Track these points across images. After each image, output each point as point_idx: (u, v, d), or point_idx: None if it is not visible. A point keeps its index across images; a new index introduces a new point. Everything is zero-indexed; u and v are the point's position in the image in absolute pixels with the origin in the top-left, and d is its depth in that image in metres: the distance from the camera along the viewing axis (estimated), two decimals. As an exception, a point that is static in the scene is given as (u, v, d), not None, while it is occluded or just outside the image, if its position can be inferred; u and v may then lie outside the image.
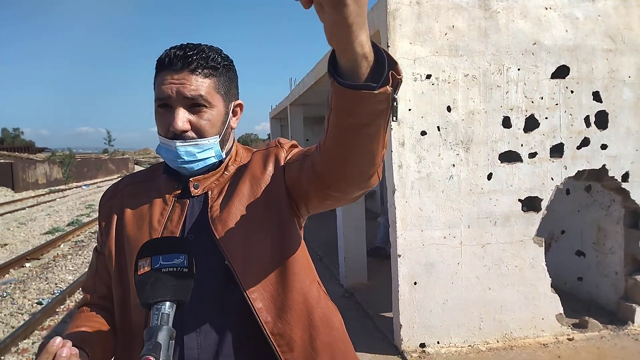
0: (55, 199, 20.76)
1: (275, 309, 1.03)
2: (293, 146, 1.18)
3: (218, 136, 1.08)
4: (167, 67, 1.03)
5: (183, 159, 1.04)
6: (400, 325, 3.68)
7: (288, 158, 1.13)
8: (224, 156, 1.11)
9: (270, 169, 1.11)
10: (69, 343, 0.87)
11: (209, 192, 1.10)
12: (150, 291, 0.82)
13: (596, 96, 3.89)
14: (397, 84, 0.77)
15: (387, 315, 4.21)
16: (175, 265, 0.84)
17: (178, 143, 1.02)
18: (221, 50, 1.12)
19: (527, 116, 3.79)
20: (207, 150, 1.06)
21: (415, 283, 3.68)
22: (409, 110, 3.64)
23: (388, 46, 3.61)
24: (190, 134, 1.03)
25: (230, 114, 1.13)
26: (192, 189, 1.10)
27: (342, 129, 0.84)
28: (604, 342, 3.79)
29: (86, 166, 33.63)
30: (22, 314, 5.75)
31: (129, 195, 1.15)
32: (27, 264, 8.27)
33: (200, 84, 1.03)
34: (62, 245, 10.04)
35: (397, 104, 0.79)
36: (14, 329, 5.20)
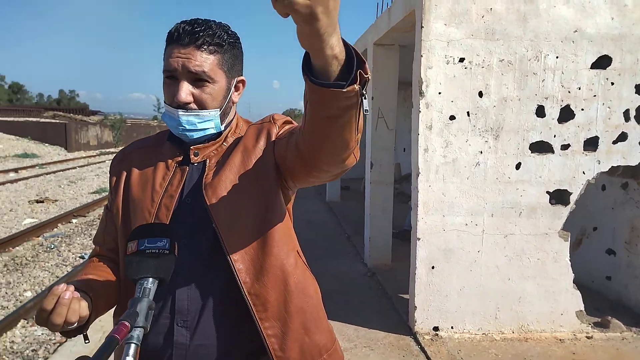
0: (104, 161, 21.72)
1: (254, 271, 1.13)
2: (286, 122, 1.25)
3: (219, 109, 1.16)
4: (176, 41, 1.10)
5: (184, 127, 1.13)
6: (415, 307, 3.72)
7: (280, 133, 1.20)
8: (222, 128, 1.20)
9: (262, 143, 1.19)
10: (72, 287, 0.99)
11: (207, 161, 1.19)
12: (136, 269, 0.94)
13: (639, 89, 3.71)
14: (364, 82, 0.82)
15: (405, 296, 4.26)
16: (158, 247, 0.96)
17: (181, 112, 1.11)
18: (229, 27, 1.18)
19: (562, 106, 3.67)
20: (207, 122, 1.14)
21: (433, 267, 3.69)
22: (439, 93, 3.60)
23: (422, 27, 3.56)
24: (193, 105, 1.12)
25: (233, 89, 1.20)
26: (192, 156, 1.19)
27: (317, 119, 0.91)
28: (624, 344, 3.71)
29: (135, 131, 34.83)
30: (66, 266, 6.16)
31: (136, 160, 1.25)
32: (74, 220, 8.79)
33: (204, 60, 1.10)
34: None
35: (365, 98, 0.85)
36: (58, 278, 5.59)
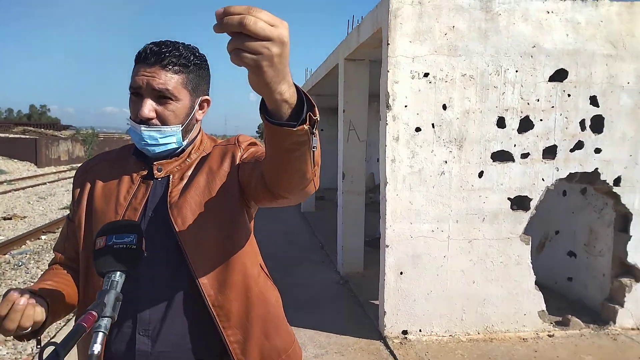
0: (75, 176, 21.31)
1: (218, 285, 1.19)
2: (251, 144, 1.31)
3: (180, 125, 1.21)
4: (143, 60, 1.17)
5: (146, 141, 1.18)
6: (385, 312, 3.84)
7: (244, 157, 1.26)
8: (184, 144, 1.25)
9: (226, 166, 1.25)
10: (27, 294, 1.03)
11: (171, 176, 1.24)
12: (104, 263, 0.99)
13: (593, 100, 3.95)
14: (314, 123, 0.91)
15: (375, 302, 4.37)
16: (125, 242, 1.01)
17: (143, 128, 1.17)
18: (197, 49, 1.26)
19: (522, 117, 3.88)
20: (168, 137, 1.19)
21: (401, 273, 3.82)
22: (405, 106, 3.76)
23: (388, 43, 3.72)
24: (155, 121, 1.17)
25: (197, 107, 1.26)
26: (155, 171, 1.24)
27: (274, 152, 1.00)
28: (582, 340, 3.90)
29: (108, 145, 34.29)
30: (33, 283, 6.05)
31: (101, 172, 1.29)
32: (43, 237, 8.63)
33: (168, 79, 1.16)
34: (78, 220, 10.40)
35: (315, 136, 0.94)
36: (26, 295, 5.50)
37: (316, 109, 0.91)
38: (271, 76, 0.79)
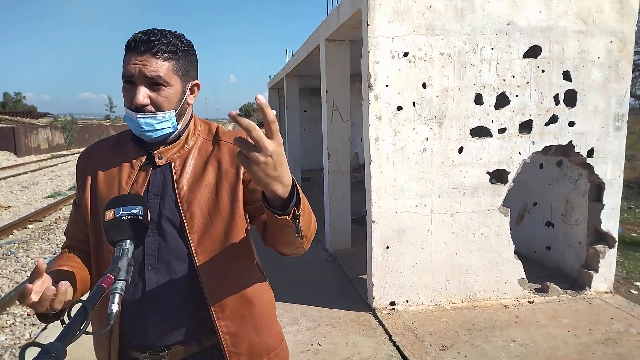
0: (57, 164, 21.07)
1: (216, 278, 1.29)
2: None
3: (174, 110, 1.26)
4: (133, 49, 1.22)
5: (143, 128, 1.23)
6: (373, 285, 4.00)
7: (248, 181, 1.32)
8: (179, 127, 1.32)
9: (235, 169, 1.31)
10: (66, 282, 1.09)
11: (172, 163, 1.30)
12: (114, 232, 1.08)
13: (566, 75, 4.10)
14: (297, 217, 1.07)
15: (364, 277, 4.53)
16: (133, 213, 1.09)
17: (139, 115, 1.22)
18: (183, 35, 1.32)
19: (499, 94, 4.01)
20: (163, 122, 1.25)
21: (387, 247, 3.98)
22: (387, 86, 3.86)
23: (368, 24, 3.80)
24: (150, 107, 1.22)
25: (188, 92, 1.32)
26: (156, 160, 1.30)
27: (270, 224, 1.16)
28: (560, 305, 4.12)
29: (87, 132, 33.81)
30: (25, 271, 6.11)
31: (103, 159, 1.35)
32: (30, 226, 8.63)
33: (159, 66, 1.21)
34: (63, 209, 10.38)
35: (298, 226, 1.09)
36: (18, 284, 5.56)
37: (302, 205, 1.07)
38: (264, 177, 0.96)
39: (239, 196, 1.30)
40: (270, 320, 1.39)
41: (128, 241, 1.07)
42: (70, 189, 13.26)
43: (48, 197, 12.11)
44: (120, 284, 0.98)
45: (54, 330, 3.70)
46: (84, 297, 1.00)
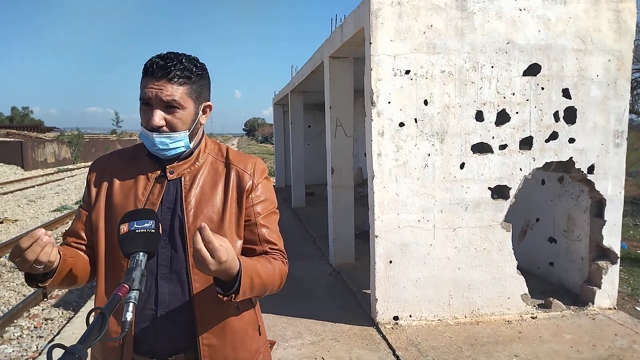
0: (63, 178, 21.25)
1: (206, 293, 1.35)
2: (263, 200, 1.46)
3: (187, 131, 1.36)
4: (150, 74, 1.32)
5: (158, 147, 1.33)
6: (376, 299, 4.04)
7: (250, 210, 1.42)
8: (191, 146, 1.41)
9: (239, 196, 1.41)
10: (50, 232, 1.17)
11: (182, 178, 1.39)
12: (128, 245, 1.14)
13: (565, 93, 4.17)
14: (232, 298, 1.25)
15: (367, 291, 4.57)
16: (145, 227, 1.17)
17: (155, 135, 1.32)
18: (197, 59, 1.41)
19: (499, 111, 4.08)
20: (177, 142, 1.34)
21: (390, 262, 4.02)
22: (389, 103, 3.94)
23: (370, 42, 3.90)
24: (165, 129, 1.32)
25: (200, 112, 1.42)
26: (168, 174, 1.39)
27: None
28: (563, 321, 4.13)
29: (94, 147, 34.14)
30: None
31: (118, 170, 1.43)
32: (37, 239, 8.69)
33: (175, 90, 1.31)
34: (69, 222, 10.42)
35: (238, 304, 1.33)
36: (25, 297, 5.62)
37: (240, 294, 1.24)
38: (217, 274, 1.18)
39: (240, 223, 1.41)
40: (245, 337, 1.45)
41: (141, 253, 1.14)
42: (76, 203, 13.35)
43: (54, 210, 12.22)
44: (134, 294, 1.04)
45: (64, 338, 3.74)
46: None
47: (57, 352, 0.82)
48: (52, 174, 23.69)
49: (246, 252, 1.43)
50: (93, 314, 0.97)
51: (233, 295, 1.23)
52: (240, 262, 1.23)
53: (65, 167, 27.64)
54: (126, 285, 1.04)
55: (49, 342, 4.28)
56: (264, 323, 1.59)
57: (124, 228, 1.17)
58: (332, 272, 5.68)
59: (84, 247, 1.42)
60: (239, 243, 1.41)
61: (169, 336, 1.35)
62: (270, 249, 1.44)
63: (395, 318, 4.06)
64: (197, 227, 1.32)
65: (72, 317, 4.74)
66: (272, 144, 19.16)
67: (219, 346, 1.38)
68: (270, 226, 1.47)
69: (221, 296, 1.24)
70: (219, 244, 1.12)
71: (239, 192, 1.42)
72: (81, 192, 16.22)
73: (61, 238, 1.48)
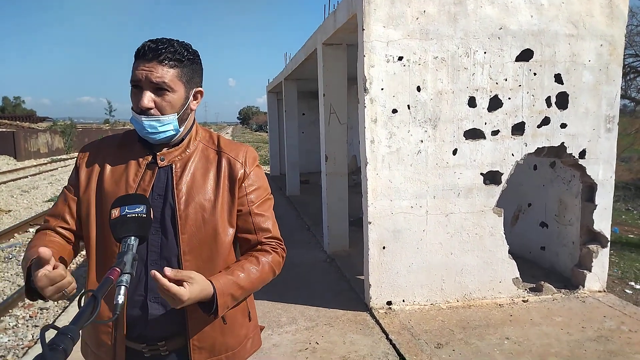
0: (57, 168, 21.13)
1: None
2: (255, 188, 1.47)
3: (177, 114, 1.35)
4: (142, 56, 1.32)
5: (147, 130, 1.32)
6: (370, 285, 4.07)
7: (243, 199, 1.43)
8: (181, 130, 1.40)
9: (231, 185, 1.42)
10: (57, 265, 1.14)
11: (173, 165, 1.39)
12: (120, 230, 1.15)
13: (558, 78, 4.18)
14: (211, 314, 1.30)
15: (361, 278, 4.60)
16: (137, 212, 1.18)
17: (143, 118, 1.31)
18: (190, 45, 1.41)
19: (492, 96, 4.09)
20: (166, 125, 1.34)
21: (384, 247, 4.05)
22: (382, 89, 3.94)
23: (363, 29, 3.89)
24: (154, 111, 1.31)
25: (191, 97, 1.41)
26: (159, 161, 1.39)
27: None
28: (554, 304, 4.19)
29: (87, 136, 33.86)
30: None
31: (111, 155, 1.43)
32: (31, 229, 8.69)
33: (165, 73, 1.30)
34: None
35: (215, 313, 1.30)
36: (20, 287, 5.63)
37: (218, 312, 1.30)
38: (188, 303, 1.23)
39: (233, 212, 1.42)
40: (235, 323, 1.47)
41: (133, 237, 1.15)
42: (70, 193, 13.30)
43: (48, 201, 12.16)
44: (126, 277, 1.06)
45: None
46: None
47: (51, 334, 0.83)
48: (45, 164, 23.54)
49: (241, 242, 1.45)
50: (85, 296, 0.98)
51: (213, 314, 1.30)
52: (214, 285, 1.28)
53: (59, 157, 27.47)
54: (118, 269, 1.05)
55: (56, 318, 4.29)
56: (256, 309, 1.61)
57: (115, 213, 1.18)
58: (326, 259, 5.72)
59: (66, 233, 1.41)
60: (231, 231, 1.42)
61: (159, 322, 1.36)
62: (265, 238, 1.46)
63: (389, 303, 4.10)
64: (188, 214, 1.36)
65: (67, 306, 4.75)
66: (267, 132, 19.12)
67: (207, 332, 1.40)
68: (265, 213, 1.48)
69: (200, 308, 1.30)
70: (175, 290, 1.16)
71: (231, 180, 1.42)
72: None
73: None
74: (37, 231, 1.43)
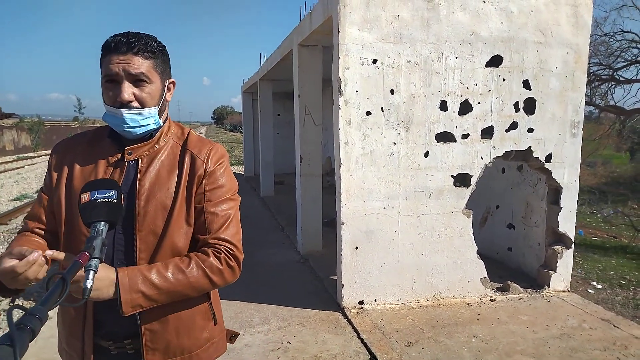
0: (23, 166, 20.52)
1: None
2: (216, 186, 1.41)
3: (157, 107, 1.35)
4: (114, 50, 1.29)
5: (128, 124, 1.30)
6: (342, 284, 4.12)
7: (200, 196, 1.39)
8: (162, 124, 1.40)
9: (191, 182, 1.38)
10: (40, 252, 1.12)
11: (140, 160, 1.37)
12: (89, 214, 1.14)
13: (526, 84, 4.32)
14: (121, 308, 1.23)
15: (334, 278, 4.65)
16: (107, 197, 1.16)
17: (124, 111, 1.28)
18: (156, 37, 1.40)
19: (462, 101, 4.19)
20: (147, 118, 1.33)
21: (356, 248, 4.10)
22: (356, 91, 4.00)
23: (339, 31, 3.93)
24: (135, 104, 1.29)
25: (166, 89, 1.41)
26: (126, 155, 1.37)
27: None
28: (520, 303, 4.32)
29: (55, 134, 33.02)
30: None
31: (80, 153, 1.40)
32: (-4, 228, 8.43)
33: (142, 64, 1.29)
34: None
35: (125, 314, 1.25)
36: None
37: (134, 307, 1.25)
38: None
39: (190, 210, 1.38)
40: (193, 325, 1.44)
41: (102, 222, 1.13)
42: (37, 192, 12.96)
43: (14, 200, 11.82)
44: (95, 262, 1.05)
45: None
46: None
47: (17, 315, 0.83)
48: (10, 162, 22.83)
49: (192, 242, 1.41)
50: (52, 279, 0.97)
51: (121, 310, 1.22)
52: (119, 283, 1.21)
53: (26, 154, 26.70)
54: (87, 253, 1.04)
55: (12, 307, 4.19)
56: (229, 310, 1.59)
57: (85, 197, 1.17)
58: (300, 259, 5.74)
59: (43, 233, 1.41)
60: (189, 230, 1.39)
61: (124, 320, 1.32)
62: (213, 239, 1.37)
63: (361, 302, 4.16)
64: (147, 211, 1.34)
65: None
66: (241, 132, 19.01)
67: (160, 332, 1.37)
68: (220, 213, 1.40)
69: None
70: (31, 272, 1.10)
71: (190, 177, 1.39)
72: (42, 180, 15.70)
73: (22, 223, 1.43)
74: (18, 234, 1.43)
